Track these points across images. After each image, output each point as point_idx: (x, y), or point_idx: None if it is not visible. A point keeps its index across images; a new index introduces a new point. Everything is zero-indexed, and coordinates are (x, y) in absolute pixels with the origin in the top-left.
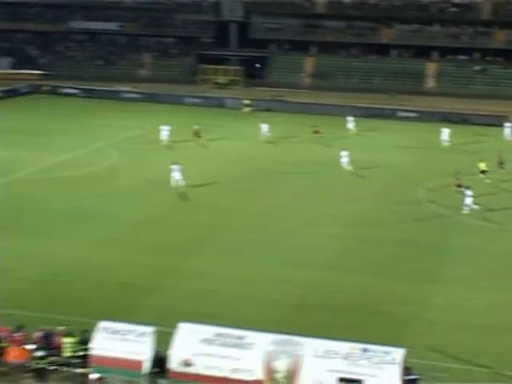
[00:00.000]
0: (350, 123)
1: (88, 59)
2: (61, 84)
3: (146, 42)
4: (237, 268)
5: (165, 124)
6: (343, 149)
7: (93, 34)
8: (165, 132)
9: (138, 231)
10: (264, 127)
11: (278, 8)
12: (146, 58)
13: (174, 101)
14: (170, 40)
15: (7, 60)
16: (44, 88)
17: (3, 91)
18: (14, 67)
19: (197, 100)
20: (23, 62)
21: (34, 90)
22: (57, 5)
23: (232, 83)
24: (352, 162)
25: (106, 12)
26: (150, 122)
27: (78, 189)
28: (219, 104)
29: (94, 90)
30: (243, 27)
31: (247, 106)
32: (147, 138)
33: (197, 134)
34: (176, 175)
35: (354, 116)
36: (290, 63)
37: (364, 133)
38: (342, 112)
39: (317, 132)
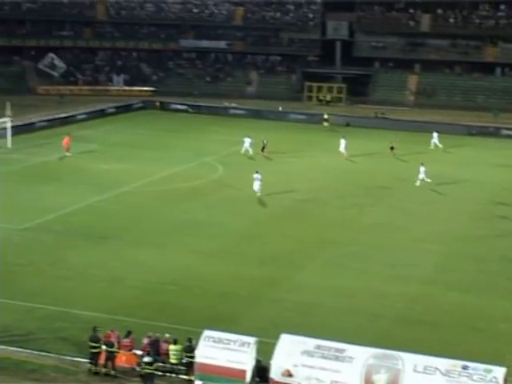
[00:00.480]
0: (435, 139)
1: (197, 76)
2: (171, 100)
3: (253, 59)
4: (339, 281)
5: (248, 137)
6: (422, 164)
7: (202, 52)
8: (246, 144)
9: (244, 243)
10: (343, 143)
11: (382, 27)
12: (253, 75)
13: (279, 117)
14: (276, 58)
15: (122, 77)
16: (156, 104)
17: (118, 107)
18: (128, 84)
19: (301, 116)
20: (136, 78)
21: (146, 106)
22: (168, 24)
23: (336, 100)
24: (445, 178)
25: (215, 31)
26: (254, 137)
27: (186, 201)
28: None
29: (202, 106)
30: (348, 45)
31: (325, 120)
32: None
33: (264, 147)
34: (256, 184)
35: (455, 134)
36: (394, 81)
37: (458, 150)
38: (444, 129)
39: (392, 148)
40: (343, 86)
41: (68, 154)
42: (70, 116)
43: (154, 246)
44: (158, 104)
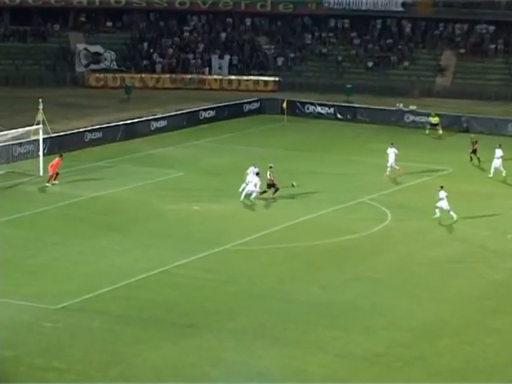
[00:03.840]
0: None
1: (349, 59)
2: (305, 99)
3: (447, 31)
4: None
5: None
6: None
7: (359, 18)
8: (391, 156)
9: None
10: None
11: None
12: (448, 57)
13: (492, 128)
14: (487, 28)
15: (227, 60)
16: (282, 104)
17: (218, 108)
18: (237, 71)
19: None
20: (250, 62)
21: (266, 108)
22: None
23: None
24: None
25: None
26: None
27: (328, 268)
28: None
29: (360, 109)
30: None
31: (432, 125)
32: None
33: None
34: (443, 204)
35: None
36: None
37: None
38: None
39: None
40: None
41: (53, 182)
42: (138, 122)
43: (272, 341)
44: (284, 105)
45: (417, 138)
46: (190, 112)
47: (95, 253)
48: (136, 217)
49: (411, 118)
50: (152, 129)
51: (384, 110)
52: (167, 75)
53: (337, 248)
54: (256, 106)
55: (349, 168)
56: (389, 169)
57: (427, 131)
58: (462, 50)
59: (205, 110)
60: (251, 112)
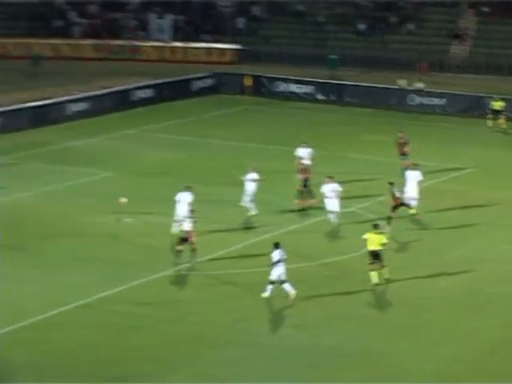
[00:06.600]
0: None
1: (336, 22)
2: (275, 74)
3: None
4: None
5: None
6: None
7: None
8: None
9: None
10: None
11: None
12: (468, 17)
13: None
14: None
15: (168, 22)
16: (245, 82)
17: (157, 86)
18: (183, 37)
19: None
20: (201, 25)
21: (222, 85)
22: None
23: None
24: None
25: None
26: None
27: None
28: None
29: (349, 86)
30: None
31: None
32: None
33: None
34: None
35: None
36: None
37: None
38: None
39: None
40: None
41: None
42: (50, 105)
43: None
44: (248, 83)
45: (425, 126)
46: (119, 91)
47: None
48: (47, 232)
49: (417, 99)
50: (69, 113)
51: (381, 88)
52: (89, 41)
53: (316, 273)
54: (209, 82)
55: (333, 167)
56: None
57: (489, 122)
58: (486, 9)
59: (140, 88)
60: (202, 91)
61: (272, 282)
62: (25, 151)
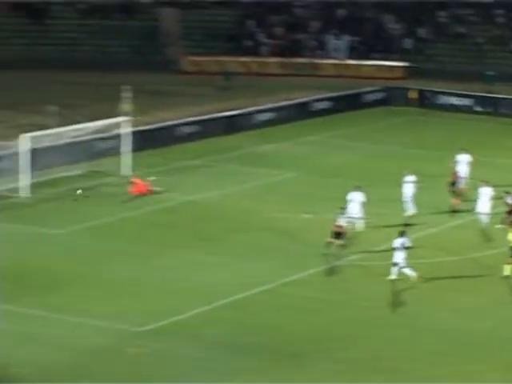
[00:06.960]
0: None
1: (492, 41)
2: (440, 88)
3: None
4: None
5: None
6: None
7: None
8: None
9: None
10: None
11: None
12: None
13: None
14: None
15: (345, 41)
16: (411, 94)
17: (334, 99)
18: (357, 55)
19: None
20: (373, 44)
21: (392, 98)
22: None
23: None
24: None
25: None
26: None
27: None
28: None
29: (501, 100)
30: None
31: None
32: None
33: None
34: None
35: None
36: None
37: None
38: None
39: None
40: None
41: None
42: (240, 114)
43: (393, 375)
44: (413, 95)
45: None
46: (301, 103)
47: (187, 267)
48: (236, 225)
49: None
50: (256, 122)
51: None
52: (275, 59)
53: (470, 266)
54: (379, 95)
55: (486, 172)
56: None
57: None
58: None
59: (318, 100)
60: (373, 103)
61: (395, 265)
62: (218, 155)
